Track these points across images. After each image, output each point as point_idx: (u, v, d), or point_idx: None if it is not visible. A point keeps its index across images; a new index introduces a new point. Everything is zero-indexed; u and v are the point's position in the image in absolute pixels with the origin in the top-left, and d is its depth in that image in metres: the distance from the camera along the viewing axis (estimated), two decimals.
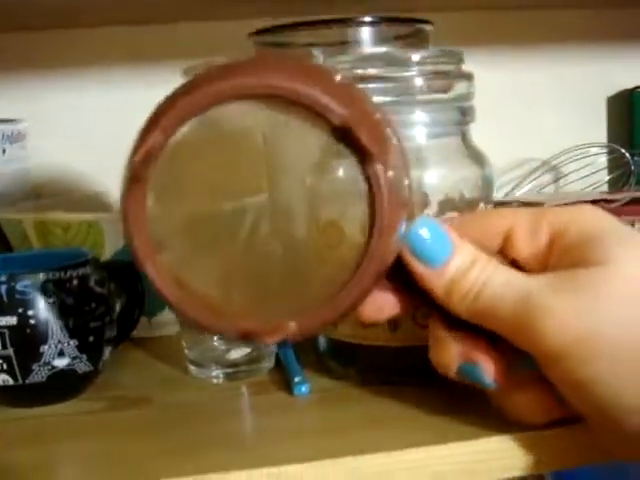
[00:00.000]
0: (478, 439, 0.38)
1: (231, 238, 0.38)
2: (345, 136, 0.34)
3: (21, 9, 0.65)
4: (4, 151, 0.65)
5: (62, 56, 0.76)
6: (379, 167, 0.34)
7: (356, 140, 0.34)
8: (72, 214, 0.55)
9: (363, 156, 0.34)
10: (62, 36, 0.75)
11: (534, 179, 0.76)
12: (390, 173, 0.35)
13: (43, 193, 0.73)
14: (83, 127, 0.77)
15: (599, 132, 0.85)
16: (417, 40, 0.62)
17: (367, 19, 0.60)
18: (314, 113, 0.34)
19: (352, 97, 0.35)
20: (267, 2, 0.67)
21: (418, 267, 0.36)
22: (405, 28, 0.62)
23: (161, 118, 0.34)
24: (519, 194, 0.73)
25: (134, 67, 0.77)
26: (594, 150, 0.80)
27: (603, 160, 0.82)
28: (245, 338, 0.37)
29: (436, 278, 0.36)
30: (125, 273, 0.51)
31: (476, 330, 0.36)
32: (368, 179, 0.34)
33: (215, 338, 0.49)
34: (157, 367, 0.52)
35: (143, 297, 0.52)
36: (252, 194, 0.40)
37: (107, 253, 0.55)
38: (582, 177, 0.80)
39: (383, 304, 0.38)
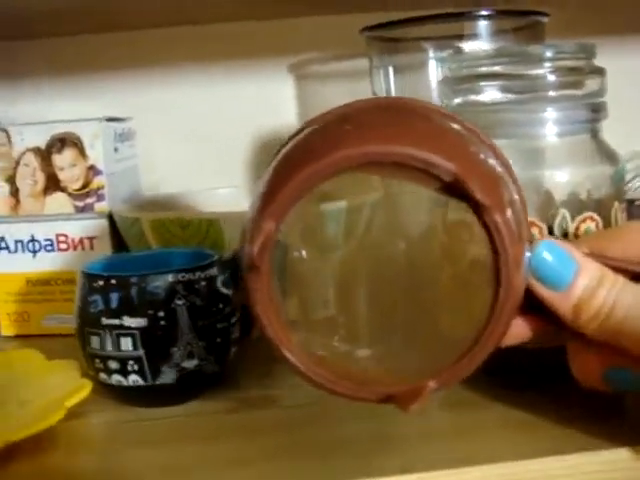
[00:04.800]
0: (608, 449, 0.37)
1: (357, 301, 0.37)
2: (457, 190, 0.32)
3: (127, 9, 0.66)
4: (116, 150, 0.65)
5: (163, 53, 0.77)
6: (496, 215, 0.32)
7: (469, 194, 0.32)
8: (191, 212, 0.55)
9: (478, 208, 0.32)
10: (163, 34, 0.75)
11: None
12: (508, 214, 0.33)
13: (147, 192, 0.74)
14: (186, 125, 0.77)
15: None
16: (533, 33, 0.61)
17: (483, 12, 0.59)
18: (424, 173, 0.32)
19: (456, 144, 0.34)
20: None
21: (543, 292, 0.35)
22: (521, 20, 0.61)
23: (270, 205, 0.33)
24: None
25: (239, 64, 0.77)
26: None
27: None
28: (386, 403, 0.35)
29: (563, 301, 0.35)
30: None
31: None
32: (486, 226, 0.33)
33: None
34: (274, 368, 0.51)
35: None
36: None
37: (226, 253, 0.53)
38: None
39: (517, 332, 0.37)
